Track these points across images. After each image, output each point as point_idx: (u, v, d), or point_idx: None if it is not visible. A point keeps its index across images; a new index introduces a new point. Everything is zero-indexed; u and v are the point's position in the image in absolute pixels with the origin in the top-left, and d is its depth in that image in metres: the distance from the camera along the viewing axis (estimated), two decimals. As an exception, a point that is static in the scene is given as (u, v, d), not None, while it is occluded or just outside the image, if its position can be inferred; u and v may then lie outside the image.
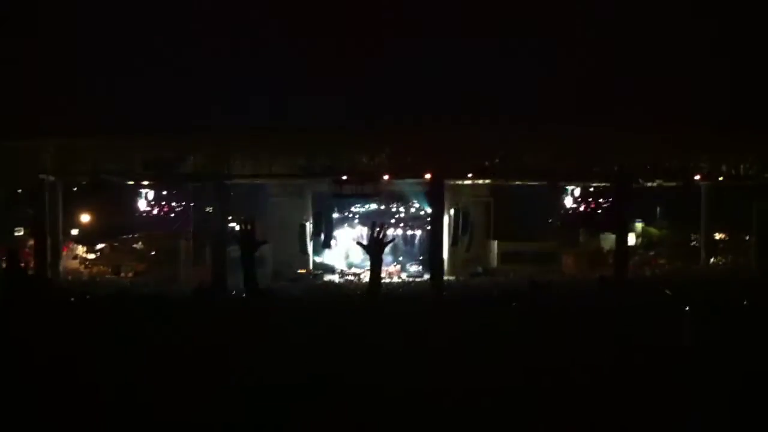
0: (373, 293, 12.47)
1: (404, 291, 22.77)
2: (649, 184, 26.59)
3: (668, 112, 24.56)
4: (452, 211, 28.52)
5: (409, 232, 31.85)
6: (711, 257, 29.14)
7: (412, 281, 27.58)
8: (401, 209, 31.98)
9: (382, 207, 31.25)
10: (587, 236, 30.51)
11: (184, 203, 30.04)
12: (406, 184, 28.28)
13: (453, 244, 28.37)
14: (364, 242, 14.18)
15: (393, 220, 31.31)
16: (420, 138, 25.00)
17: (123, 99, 26.12)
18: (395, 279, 28.33)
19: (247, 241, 12.28)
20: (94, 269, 28.69)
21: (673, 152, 25.49)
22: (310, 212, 29.51)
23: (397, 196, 30.51)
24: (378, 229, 12.57)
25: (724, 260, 29.38)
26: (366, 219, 29.65)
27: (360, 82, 26.15)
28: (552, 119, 24.82)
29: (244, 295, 15.91)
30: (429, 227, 28.64)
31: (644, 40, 26.15)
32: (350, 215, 31.99)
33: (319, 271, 29.35)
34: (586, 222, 30.56)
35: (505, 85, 25.50)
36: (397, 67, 26.84)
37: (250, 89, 26.60)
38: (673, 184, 26.58)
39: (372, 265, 12.89)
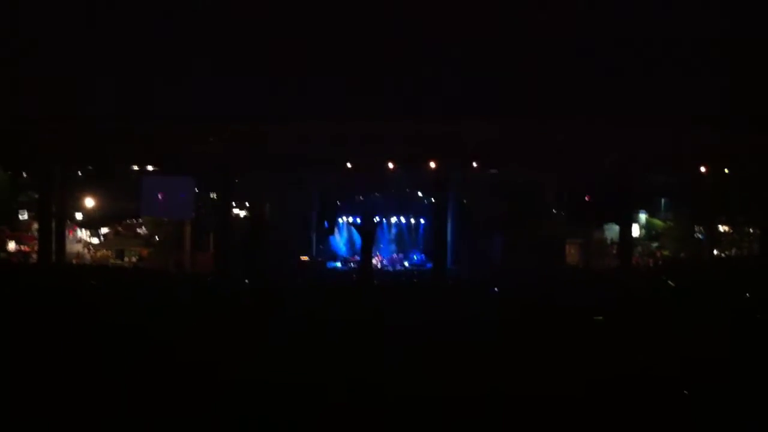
0: (365, 271, 12.66)
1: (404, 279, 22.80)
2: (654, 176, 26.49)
3: (673, 107, 24.40)
4: (456, 201, 28.45)
5: (413, 221, 31.75)
6: (714, 249, 29.04)
7: (415, 271, 27.57)
8: (406, 199, 31.84)
9: (386, 196, 31.14)
10: (591, 227, 30.39)
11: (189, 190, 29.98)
12: (410, 174, 28.18)
13: (456, 233, 28.30)
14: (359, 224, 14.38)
15: (397, 210, 31.20)
16: (424, 130, 24.90)
17: (128, 89, 26.00)
18: (398, 267, 28.34)
19: (255, 228, 12.39)
20: (98, 254, 28.79)
21: (678, 145, 25.32)
22: (314, 201, 29.47)
23: (401, 185, 30.40)
24: (371, 211, 12.74)
25: (728, 252, 29.32)
26: (369, 207, 29.57)
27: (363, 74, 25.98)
28: (554, 113, 24.75)
29: (247, 281, 16.03)
30: (433, 217, 28.58)
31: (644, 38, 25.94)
32: (354, 204, 31.88)
33: (321, 259, 29.37)
34: (591, 213, 30.44)
35: (505, 81, 25.32)
36: (400, 60, 26.68)
37: (253, 82, 26.46)
38: (677, 174, 26.50)
39: (364, 245, 13.10)
